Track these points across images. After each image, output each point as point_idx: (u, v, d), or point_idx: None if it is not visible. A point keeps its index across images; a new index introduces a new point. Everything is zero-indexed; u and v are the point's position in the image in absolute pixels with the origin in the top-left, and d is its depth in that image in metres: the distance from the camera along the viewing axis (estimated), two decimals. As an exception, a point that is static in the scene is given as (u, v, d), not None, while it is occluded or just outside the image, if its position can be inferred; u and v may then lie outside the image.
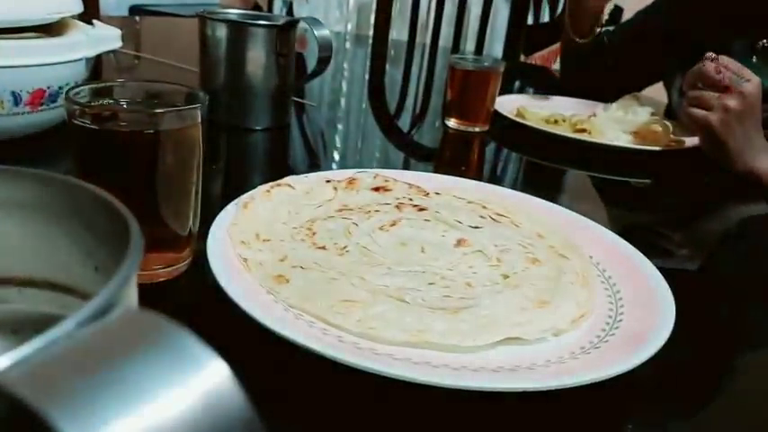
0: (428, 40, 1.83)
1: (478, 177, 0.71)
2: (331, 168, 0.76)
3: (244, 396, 0.11)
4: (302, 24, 0.78)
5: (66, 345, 0.12)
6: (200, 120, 0.40)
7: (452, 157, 0.88)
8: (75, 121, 0.37)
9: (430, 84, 1.44)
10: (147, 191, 0.39)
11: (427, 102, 1.26)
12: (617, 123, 0.95)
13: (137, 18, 2.04)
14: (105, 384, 0.10)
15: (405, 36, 1.88)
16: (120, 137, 0.38)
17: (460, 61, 0.89)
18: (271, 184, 0.54)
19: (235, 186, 0.61)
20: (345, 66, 1.47)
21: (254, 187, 0.52)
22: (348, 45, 1.87)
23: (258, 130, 0.79)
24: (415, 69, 1.60)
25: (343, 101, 1.14)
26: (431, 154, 0.91)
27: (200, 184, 0.42)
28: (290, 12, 2.05)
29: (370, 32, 2.09)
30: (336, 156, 0.82)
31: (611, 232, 0.54)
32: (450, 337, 0.37)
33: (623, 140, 0.90)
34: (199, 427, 0.10)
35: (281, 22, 0.76)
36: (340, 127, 0.95)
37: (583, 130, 0.90)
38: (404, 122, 1.06)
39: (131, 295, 0.15)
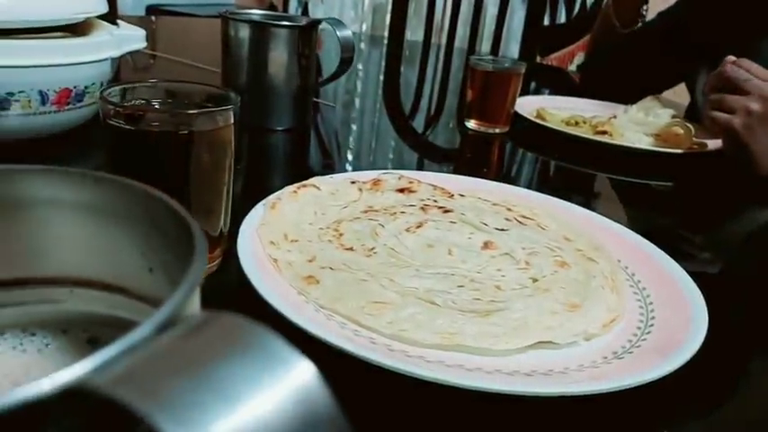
0: (443, 41, 1.82)
1: (499, 179, 0.70)
2: (352, 168, 0.76)
3: (330, 393, 0.11)
4: (323, 25, 0.78)
5: (153, 348, 0.12)
6: (232, 121, 0.40)
7: (472, 159, 0.88)
8: (110, 121, 0.37)
9: (445, 85, 1.44)
10: (180, 191, 0.39)
11: (443, 103, 1.25)
12: (638, 125, 0.95)
13: (152, 18, 2.05)
14: (202, 385, 0.10)
15: (420, 37, 1.88)
16: (155, 137, 0.38)
17: (481, 62, 0.89)
18: (297, 184, 0.54)
19: (258, 186, 0.61)
20: (360, 66, 1.47)
21: (277, 187, 0.53)
22: (363, 46, 1.87)
23: (279, 130, 0.79)
24: (430, 70, 1.60)
25: (358, 101, 1.14)
26: (449, 155, 0.91)
27: (231, 185, 0.42)
28: (305, 12, 2.06)
29: (386, 33, 2.09)
30: (356, 156, 0.82)
31: (637, 235, 0.54)
32: (482, 341, 0.37)
33: (645, 143, 0.89)
34: (291, 424, 0.10)
35: (303, 22, 0.76)
36: (357, 127, 0.95)
37: (603, 132, 0.89)
38: (418, 123, 1.06)
39: (197, 299, 0.15)
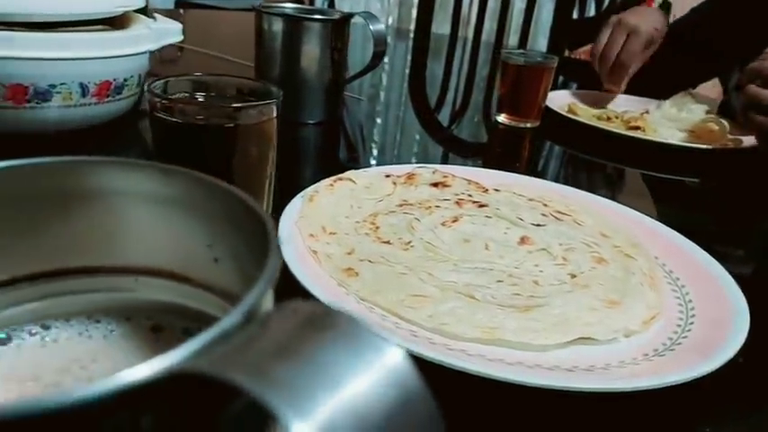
0: (470, 35, 1.82)
1: (532, 173, 0.70)
2: (381, 161, 0.76)
3: (419, 375, 0.12)
4: (355, 19, 0.78)
5: (248, 335, 0.12)
6: (275, 114, 0.40)
7: (504, 153, 0.88)
8: (157, 114, 0.38)
9: (472, 78, 1.43)
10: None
11: (469, 96, 1.25)
12: (671, 121, 0.94)
13: (181, 11, 2.07)
14: (305, 369, 0.10)
15: (446, 30, 1.87)
16: (200, 130, 0.38)
17: (512, 56, 0.89)
18: (333, 178, 0.54)
19: (291, 179, 0.62)
20: (385, 59, 1.47)
21: (309, 179, 0.53)
22: (389, 39, 1.86)
23: (310, 123, 0.80)
24: (456, 64, 1.60)
25: (383, 94, 1.14)
26: (477, 149, 0.90)
27: (273, 178, 0.43)
28: (331, 4, 2.06)
29: (412, 26, 2.08)
30: (384, 149, 0.82)
31: (673, 231, 0.53)
32: (523, 335, 0.37)
33: (678, 139, 0.88)
34: (388, 406, 0.11)
35: (336, 16, 0.76)
36: (384, 121, 0.95)
37: (636, 128, 0.89)
38: (444, 117, 1.06)
39: (272, 290, 0.16)
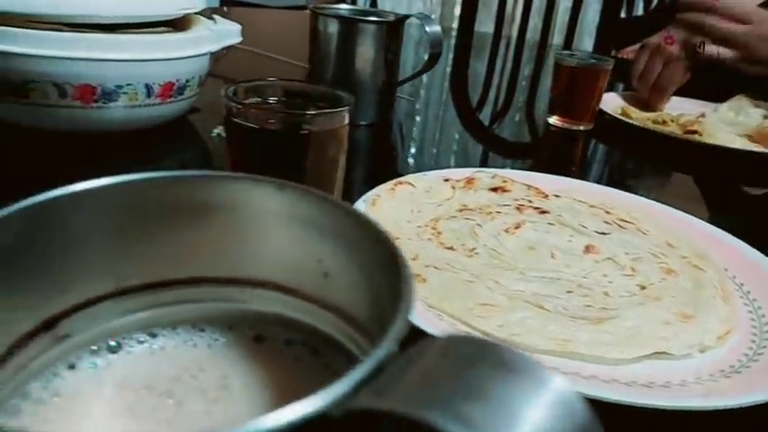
0: (514, 33, 1.80)
1: (587, 177, 0.69)
2: (437, 163, 0.76)
3: (587, 406, 0.11)
4: (410, 20, 0.78)
5: (406, 366, 0.12)
6: (347, 121, 0.40)
7: (557, 155, 0.86)
8: (234, 119, 0.38)
9: (515, 78, 1.42)
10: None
11: (512, 96, 1.24)
12: (728, 125, 0.91)
13: (225, 8, 2.10)
14: (481, 402, 0.10)
15: (488, 28, 1.86)
16: (275, 135, 0.39)
17: (567, 58, 0.87)
18: (393, 182, 0.54)
19: (347, 181, 0.62)
20: (426, 57, 1.46)
21: (365, 181, 0.53)
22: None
23: (363, 125, 0.80)
24: (499, 63, 1.58)
25: (423, 93, 1.14)
26: (526, 149, 0.89)
27: (342, 183, 0.43)
28: (373, 3, 2.06)
29: (454, 24, 2.07)
30: (439, 152, 0.82)
31: (742, 242, 0.52)
32: (596, 348, 0.37)
33: (738, 143, 0.85)
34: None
35: (391, 18, 0.76)
36: (432, 121, 0.95)
37: (693, 132, 0.86)
38: (487, 116, 1.05)
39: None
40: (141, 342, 0.22)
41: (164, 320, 0.22)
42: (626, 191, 0.61)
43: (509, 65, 1.60)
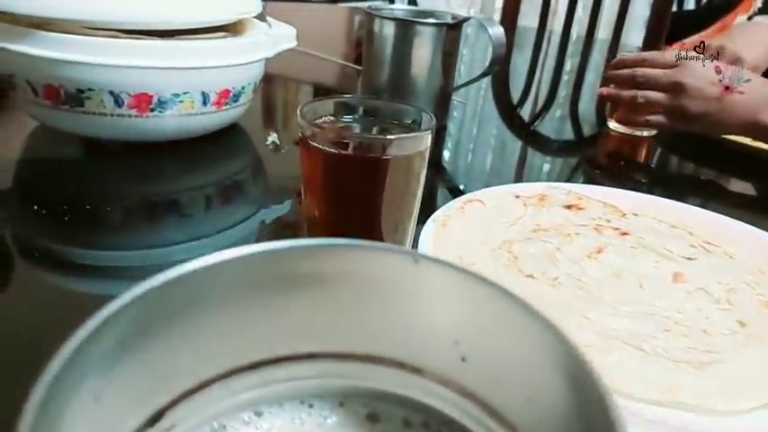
0: (559, 28, 1.74)
1: (653, 192, 0.65)
2: (498, 175, 0.73)
3: None
4: (469, 22, 0.75)
5: None
6: (429, 144, 0.38)
7: (618, 166, 0.82)
8: (311, 142, 0.36)
9: (558, 74, 1.37)
10: (373, 209, 0.38)
11: (554, 94, 1.19)
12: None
13: (263, 4, 2.08)
14: None
15: (531, 22, 1.81)
16: (355, 161, 0.36)
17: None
18: (463, 199, 0.51)
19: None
20: (464, 52, 1.41)
21: (431, 196, 0.51)
22: (469, 30, 1.81)
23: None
24: (542, 57, 1.53)
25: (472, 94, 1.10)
26: (594, 160, 0.85)
27: (419, 205, 0.41)
28: (412, 1, 2.02)
29: (496, 17, 2.02)
30: (493, 159, 0.79)
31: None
32: (703, 398, 0.34)
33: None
34: None
35: (450, 20, 0.73)
36: (486, 126, 0.91)
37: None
38: (525, 113, 1.01)
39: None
40: (247, 422, 0.20)
41: (270, 397, 0.20)
42: (700, 207, 0.57)
43: (552, 61, 1.55)
